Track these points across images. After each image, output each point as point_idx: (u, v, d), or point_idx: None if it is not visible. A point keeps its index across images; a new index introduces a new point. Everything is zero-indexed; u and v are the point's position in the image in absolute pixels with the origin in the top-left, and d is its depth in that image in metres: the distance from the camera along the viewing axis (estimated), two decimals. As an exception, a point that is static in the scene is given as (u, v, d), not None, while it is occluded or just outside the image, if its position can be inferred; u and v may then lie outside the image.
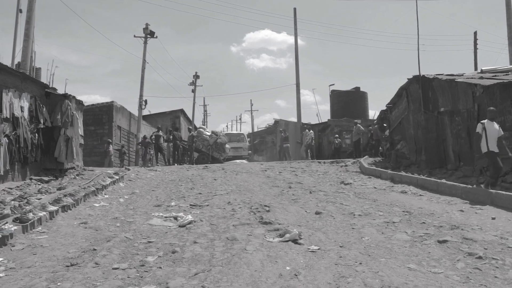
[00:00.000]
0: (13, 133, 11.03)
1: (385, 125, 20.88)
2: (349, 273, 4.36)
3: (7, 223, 5.76)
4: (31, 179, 11.93)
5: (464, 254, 5.02)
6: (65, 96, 14.16)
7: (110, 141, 23.07)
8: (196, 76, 48.03)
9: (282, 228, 6.38)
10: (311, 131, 24.37)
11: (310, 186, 11.59)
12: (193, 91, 47.68)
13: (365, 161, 16.36)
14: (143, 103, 29.97)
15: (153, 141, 22.70)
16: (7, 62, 16.83)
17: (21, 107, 11.64)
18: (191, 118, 45.48)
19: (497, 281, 4.19)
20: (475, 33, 33.65)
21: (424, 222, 6.66)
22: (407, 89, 16.15)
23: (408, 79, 15.56)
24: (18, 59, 17.33)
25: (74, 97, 14.98)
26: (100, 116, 24.93)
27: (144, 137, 23.99)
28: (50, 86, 15.21)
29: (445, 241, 5.49)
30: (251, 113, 71.83)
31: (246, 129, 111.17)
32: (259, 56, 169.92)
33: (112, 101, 25.99)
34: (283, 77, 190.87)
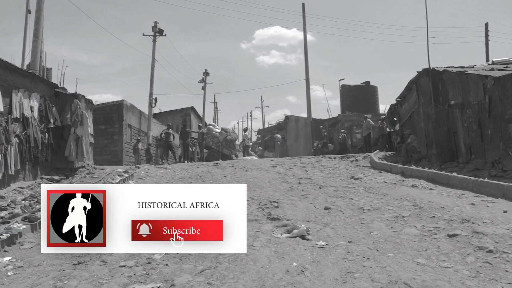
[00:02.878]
0: (23, 133, 11.13)
1: (395, 119, 20.71)
2: (356, 269, 4.31)
3: (16, 222, 5.80)
4: (42, 178, 12.05)
5: (475, 248, 4.93)
6: (74, 95, 14.27)
7: (139, 139, 23.53)
8: (206, 73, 48.03)
9: (290, 224, 6.34)
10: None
11: (320, 181, 11.52)
12: (203, 88, 47.70)
13: (376, 155, 16.23)
14: (153, 101, 30.19)
15: (163, 139, 22.91)
16: (18, 62, 17.05)
17: (31, 107, 11.74)
18: (201, 116, 45.58)
19: (508, 275, 4.10)
20: (486, 24, 33.19)
21: (434, 216, 6.57)
22: (417, 83, 15.96)
23: (417, 72, 15.37)
24: (28, 59, 17.56)
25: (83, 96, 15.11)
26: (111, 115, 25.23)
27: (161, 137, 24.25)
28: (61, 86, 15.39)
29: (455, 235, 5.40)
30: (262, 110, 71.87)
31: (257, 126, 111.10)
32: (269, 52, 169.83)
33: (122, 100, 26.27)
34: (293, 73, 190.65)
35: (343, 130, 25.62)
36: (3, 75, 10.69)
